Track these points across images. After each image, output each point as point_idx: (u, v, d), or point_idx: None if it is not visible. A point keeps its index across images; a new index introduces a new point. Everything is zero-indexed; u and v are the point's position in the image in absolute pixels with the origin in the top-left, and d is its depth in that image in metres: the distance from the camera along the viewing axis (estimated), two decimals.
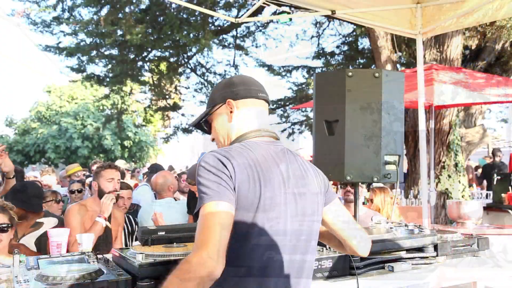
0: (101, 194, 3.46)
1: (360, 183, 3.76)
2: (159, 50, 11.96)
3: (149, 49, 11.76)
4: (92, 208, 3.46)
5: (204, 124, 1.84)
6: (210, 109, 1.77)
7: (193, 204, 4.05)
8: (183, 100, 16.39)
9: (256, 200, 1.50)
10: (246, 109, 1.72)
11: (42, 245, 3.46)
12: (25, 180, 5.31)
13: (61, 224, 3.60)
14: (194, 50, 12.40)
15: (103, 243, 3.33)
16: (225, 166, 1.48)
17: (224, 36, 12.91)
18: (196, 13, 10.69)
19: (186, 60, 13.40)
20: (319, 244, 2.45)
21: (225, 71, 14.11)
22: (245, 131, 1.68)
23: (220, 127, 1.75)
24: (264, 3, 4.04)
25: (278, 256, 1.55)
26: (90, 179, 5.62)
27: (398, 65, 10.19)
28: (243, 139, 1.65)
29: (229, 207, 1.45)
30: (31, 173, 7.23)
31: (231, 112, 1.71)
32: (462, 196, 7.22)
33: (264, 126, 1.72)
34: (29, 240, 3.47)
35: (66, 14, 11.41)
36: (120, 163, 8.90)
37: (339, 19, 8.56)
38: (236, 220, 1.48)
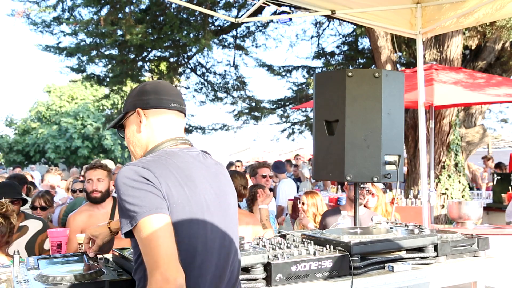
0: (86, 195, 3.53)
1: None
2: (159, 50, 11.96)
3: (149, 49, 11.76)
4: (89, 210, 3.49)
5: (119, 130, 1.80)
6: (123, 115, 1.74)
7: None
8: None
9: (186, 204, 1.50)
10: (156, 119, 1.67)
11: (31, 250, 3.42)
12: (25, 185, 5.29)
13: (46, 226, 3.58)
14: (194, 50, 12.41)
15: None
16: (147, 178, 1.46)
17: (224, 36, 12.92)
18: (196, 13, 10.69)
19: (186, 60, 13.40)
20: (320, 244, 2.46)
21: (225, 71, 14.14)
22: (160, 141, 1.65)
23: (131, 136, 1.71)
24: (264, 3, 4.04)
25: (214, 250, 1.56)
26: None
27: (398, 65, 10.20)
28: (158, 149, 1.63)
29: (164, 217, 1.44)
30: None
31: (140, 122, 1.67)
32: (462, 196, 7.22)
33: (178, 135, 1.69)
34: (18, 247, 3.42)
35: (66, 14, 11.41)
36: (108, 163, 8.61)
37: (339, 19, 8.55)
38: (175, 226, 1.47)
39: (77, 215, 3.49)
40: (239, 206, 3.81)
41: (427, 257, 2.56)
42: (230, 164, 11.73)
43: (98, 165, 3.57)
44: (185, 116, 1.76)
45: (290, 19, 4.40)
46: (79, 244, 2.69)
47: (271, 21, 12.03)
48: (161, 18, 10.80)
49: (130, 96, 1.73)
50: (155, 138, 1.66)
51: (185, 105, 1.75)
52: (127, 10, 10.33)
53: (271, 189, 6.95)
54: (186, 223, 1.49)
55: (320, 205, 4.71)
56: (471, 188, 8.53)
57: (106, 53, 11.66)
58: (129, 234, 1.47)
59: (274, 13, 6.81)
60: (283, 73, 13.97)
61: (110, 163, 8.36)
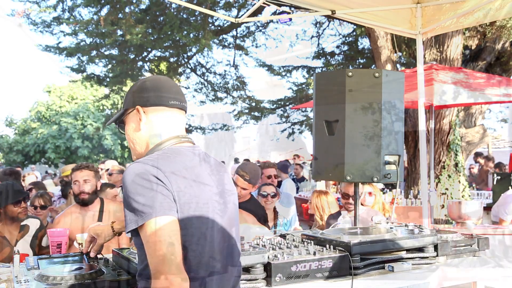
0: (74, 197, 3.47)
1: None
2: (159, 50, 11.96)
3: (149, 49, 11.76)
4: (76, 212, 3.46)
5: (119, 126, 1.75)
6: (123, 112, 1.70)
7: None
8: None
9: (196, 204, 1.49)
10: (156, 117, 1.63)
11: (34, 247, 3.56)
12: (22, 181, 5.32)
13: (43, 225, 3.74)
14: (194, 50, 12.41)
15: None
16: (157, 177, 1.43)
17: (224, 36, 12.91)
18: (196, 13, 10.69)
19: (186, 60, 13.40)
20: (320, 244, 2.46)
21: (225, 71, 14.12)
22: (162, 139, 1.61)
23: (131, 133, 1.68)
24: (264, 3, 4.04)
25: (219, 250, 1.56)
26: None
27: (398, 65, 10.20)
28: (162, 147, 1.59)
29: (172, 220, 1.42)
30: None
31: (140, 119, 1.64)
32: (462, 196, 7.22)
33: (180, 133, 1.66)
34: (23, 246, 3.48)
35: (66, 14, 11.41)
36: (111, 163, 8.30)
37: (339, 19, 8.55)
38: (182, 228, 1.45)
39: (64, 217, 3.42)
40: None
41: (427, 257, 2.56)
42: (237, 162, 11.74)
43: (84, 165, 3.49)
44: (186, 112, 1.73)
45: (290, 19, 4.40)
46: (79, 244, 2.69)
47: (271, 21, 12.02)
48: (161, 18, 10.80)
49: (130, 92, 1.69)
50: (156, 136, 1.63)
51: (185, 102, 1.71)
52: (127, 10, 10.33)
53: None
54: (195, 223, 1.48)
55: (326, 206, 4.56)
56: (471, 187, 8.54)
57: (106, 53, 11.66)
58: (134, 233, 1.46)
59: (274, 13, 6.81)
60: (283, 73, 13.97)
61: (113, 163, 8.35)
